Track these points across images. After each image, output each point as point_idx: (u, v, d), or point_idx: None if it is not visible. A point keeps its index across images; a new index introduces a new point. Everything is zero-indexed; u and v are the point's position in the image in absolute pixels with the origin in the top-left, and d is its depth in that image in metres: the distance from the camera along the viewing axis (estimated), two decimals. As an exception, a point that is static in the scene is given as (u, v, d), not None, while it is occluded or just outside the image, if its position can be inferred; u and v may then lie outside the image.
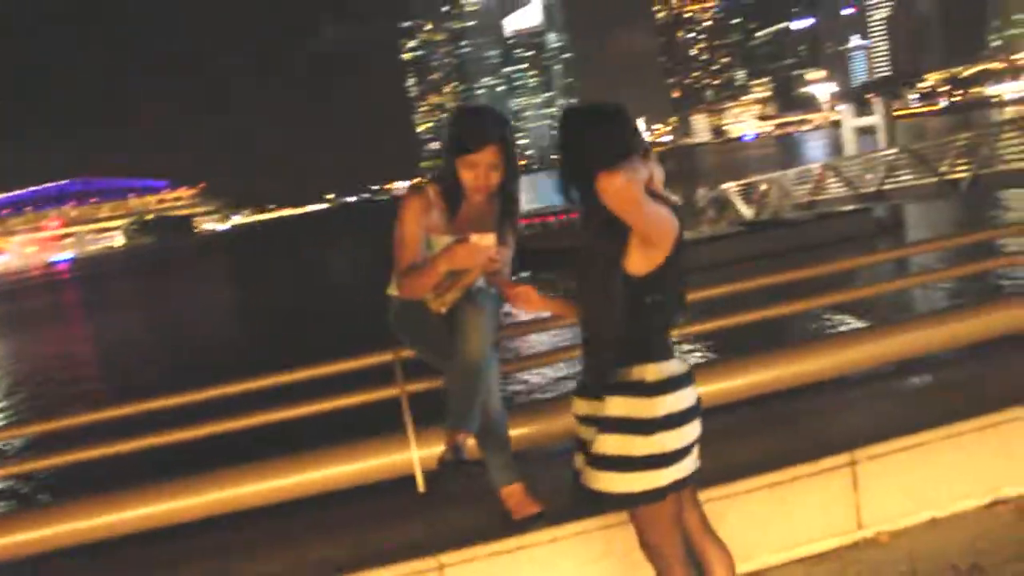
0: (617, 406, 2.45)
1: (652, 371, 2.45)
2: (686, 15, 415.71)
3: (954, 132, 36.80)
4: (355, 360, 3.56)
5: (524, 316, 3.87)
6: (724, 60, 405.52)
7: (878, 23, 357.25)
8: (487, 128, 2.97)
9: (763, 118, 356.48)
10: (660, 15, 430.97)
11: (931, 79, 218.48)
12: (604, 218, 2.35)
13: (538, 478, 3.32)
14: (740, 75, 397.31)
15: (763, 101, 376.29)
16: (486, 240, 2.85)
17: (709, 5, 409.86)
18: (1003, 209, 26.98)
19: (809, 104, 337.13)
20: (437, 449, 3.48)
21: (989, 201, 27.17)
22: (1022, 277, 14.11)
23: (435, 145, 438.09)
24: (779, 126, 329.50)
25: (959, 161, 22.04)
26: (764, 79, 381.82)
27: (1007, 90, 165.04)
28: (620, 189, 2.23)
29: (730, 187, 31.71)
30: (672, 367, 2.48)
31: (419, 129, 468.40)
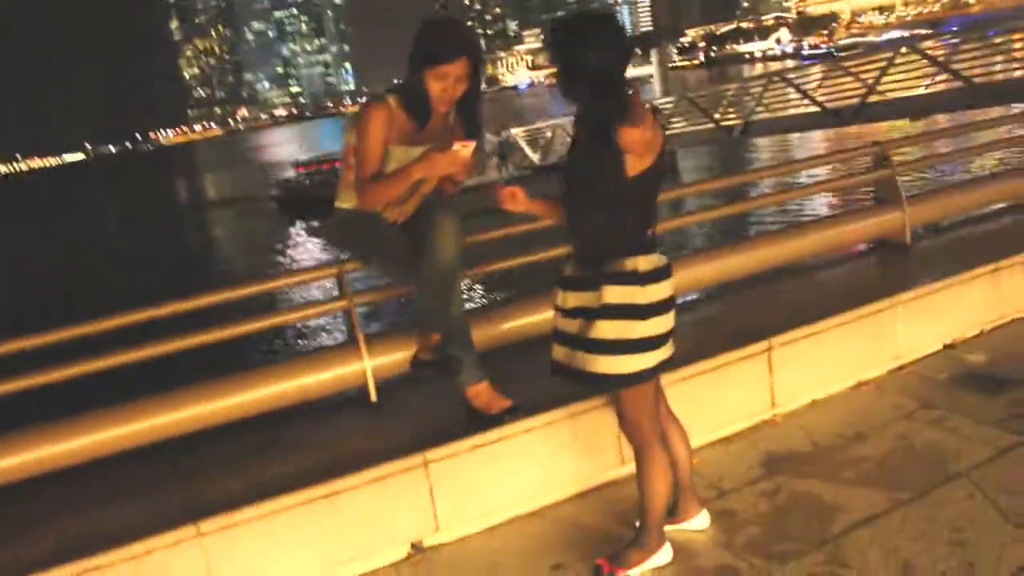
0: (614, 294, 2.67)
1: (644, 262, 2.68)
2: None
3: (714, 84, 39.67)
4: (301, 275, 3.54)
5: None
6: (496, 11, 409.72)
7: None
8: (461, 40, 3.04)
9: (535, 68, 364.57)
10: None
11: (690, 35, 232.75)
12: (603, 129, 2.54)
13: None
14: (513, 25, 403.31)
15: (535, 51, 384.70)
16: (467, 149, 2.94)
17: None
18: (766, 152, 29.72)
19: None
20: (386, 359, 3.59)
21: (755, 145, 29.79)
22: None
23: (203, 92, 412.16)
24: (550, 75, 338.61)
25: (730, 109, 23.96)
26: (536, 30, 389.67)
27: (756, 48, 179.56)
28: (638, 140, 2.49)
29: (517, 132, 32.50)
30: (657, 259, 2.72)
31: (185, 75, 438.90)
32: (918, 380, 4.21)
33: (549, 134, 30.93)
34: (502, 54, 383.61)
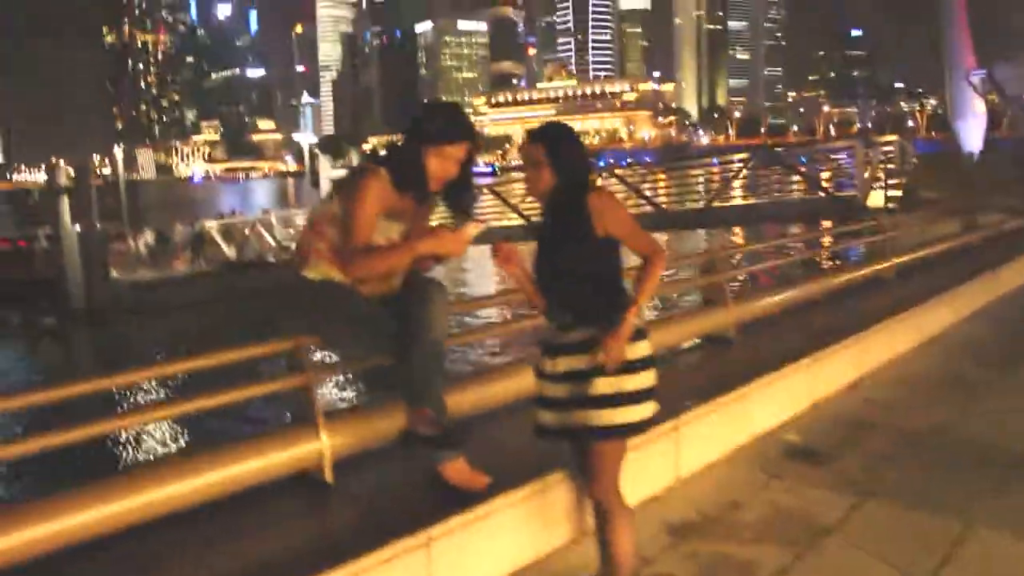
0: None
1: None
2: (139, 43, 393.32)
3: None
4: (258, 347, 3.37)
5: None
6: (175, 97, 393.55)
7: (327, 84, 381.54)
8: (469, 125, 3.22)
9: (212, 160, 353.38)
10: (108, 38, 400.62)
11: (372, 142, 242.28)
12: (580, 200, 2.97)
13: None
14: (190, 114, 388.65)
15: (212, 143, 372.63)
16: (476, 230, 3.12)
17: (163, 38, 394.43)
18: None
19: (258, 152, 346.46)
20: (344, 439, 3.53)
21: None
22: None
23: None
24: (228, 170, 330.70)
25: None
26: (214, 121, 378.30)
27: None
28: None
29: (211, 226, 31.23)
30: (638, 320, 3.04)
31: None
32: (757, 457, 4.88)
33: (247, 231, 29.82)
34: (176, 143, 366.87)
